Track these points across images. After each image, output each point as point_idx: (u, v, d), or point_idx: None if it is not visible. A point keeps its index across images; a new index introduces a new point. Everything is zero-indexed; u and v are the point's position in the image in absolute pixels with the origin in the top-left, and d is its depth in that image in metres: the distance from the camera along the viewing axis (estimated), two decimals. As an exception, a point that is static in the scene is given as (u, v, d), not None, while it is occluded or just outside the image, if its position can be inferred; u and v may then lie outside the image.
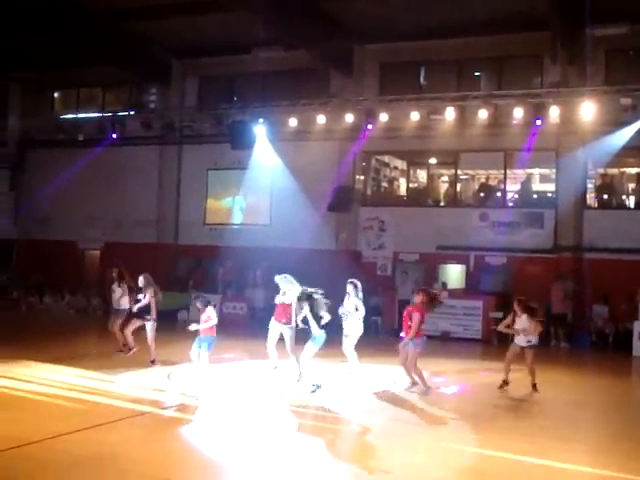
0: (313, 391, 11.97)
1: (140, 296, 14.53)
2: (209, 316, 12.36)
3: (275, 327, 13.26)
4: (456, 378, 14.64)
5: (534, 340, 12.98)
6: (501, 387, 13.06)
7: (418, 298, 12.61)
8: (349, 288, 13.88)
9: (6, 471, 7.41)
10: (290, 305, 12.99)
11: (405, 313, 12.74)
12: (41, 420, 9.70)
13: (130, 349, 14.93)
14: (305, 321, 12.35)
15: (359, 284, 13.95)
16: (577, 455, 9.10)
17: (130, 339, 14.95)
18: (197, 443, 9.06)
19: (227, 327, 19.65)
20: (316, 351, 12.29)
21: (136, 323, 14.63)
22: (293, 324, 12.91)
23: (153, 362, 14.16)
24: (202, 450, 8.74)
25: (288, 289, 13.04)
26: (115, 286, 16.03)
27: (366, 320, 14.26)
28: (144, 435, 9.41)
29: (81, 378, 12.82)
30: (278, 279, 13.27)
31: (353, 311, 13.75)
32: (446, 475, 7.90)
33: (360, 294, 13.91)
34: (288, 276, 13.21)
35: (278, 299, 13.26)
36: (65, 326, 22.19)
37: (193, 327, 12.39)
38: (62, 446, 8.48)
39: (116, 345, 15.40)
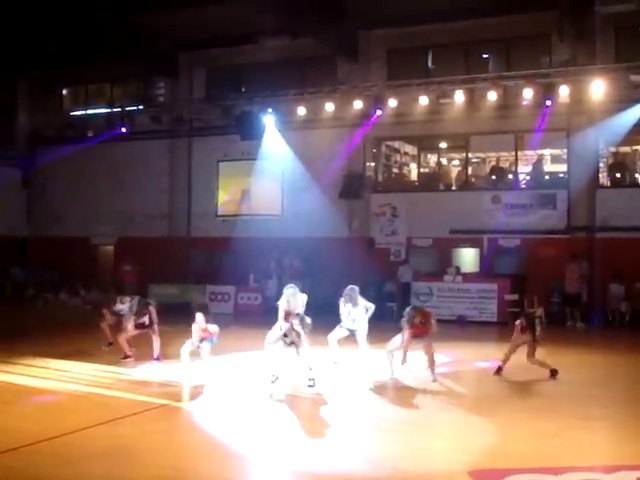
0: (273, 381, 11.76)
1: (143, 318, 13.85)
2: (207, 329, 12.31)
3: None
4: (473, 361, 14.61)
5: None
6: (497, 373, 12.71)
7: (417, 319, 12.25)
8: (350, 297, 13.45)
9: (26, 466, 7.47)
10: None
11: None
12: (59, 415, 9.77)
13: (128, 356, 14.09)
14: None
15: (356, 287, 13.71)
16: (597, 432, 9.08)
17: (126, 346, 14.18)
18: (213, 434, 9.07)
19: (245, 318, 19.73)
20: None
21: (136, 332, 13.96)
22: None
23: (158, 359, 13.77)
24: (218, 441, 8.75)
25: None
26: (119, 304, 15.13)
27: (381, 307, 14.17)
28: (160, 427, 9.42)
29: (97, 372, 12.90)
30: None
31: (363, 315, 13.53)
32: (468, 458, 7.87)
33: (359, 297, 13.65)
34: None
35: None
36: (81, 322, 22.24)
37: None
38: (80, 440, 8.52)
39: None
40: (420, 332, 12.24)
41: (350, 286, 13.70)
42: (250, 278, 24.75)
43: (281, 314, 12.80)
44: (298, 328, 11.74)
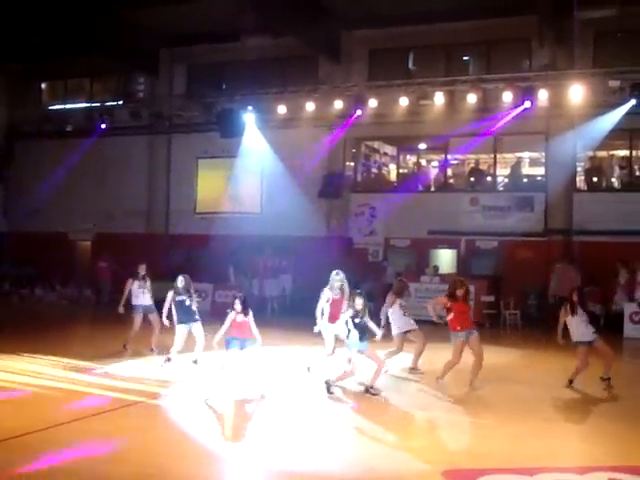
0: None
1: (185, 297, 13.75)
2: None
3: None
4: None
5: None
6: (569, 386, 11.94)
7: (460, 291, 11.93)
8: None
9: (3, 460, 7.46)
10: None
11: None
12: (34, 411, 9.71)
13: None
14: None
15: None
16: (571, 434, 9.21)
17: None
18: (190, 431, 9.06)
19: (222, 316, 19.63)
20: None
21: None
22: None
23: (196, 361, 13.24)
24: (195, 439, 8.74)
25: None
26: (142, 282, 15.35)
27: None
28: (137, 424, 9.42)
29: (72, 368, 12.83)
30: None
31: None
32: (442, 458, 7.94)
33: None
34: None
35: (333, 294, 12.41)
36: (58, 317, 22.18)
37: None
38: (58, 436, 8.49)
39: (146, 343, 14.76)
40: (463, 309, 11.86)
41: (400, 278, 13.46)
42: (230, 274, 24.62)
43: (327, 310, 12.13)
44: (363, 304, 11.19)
